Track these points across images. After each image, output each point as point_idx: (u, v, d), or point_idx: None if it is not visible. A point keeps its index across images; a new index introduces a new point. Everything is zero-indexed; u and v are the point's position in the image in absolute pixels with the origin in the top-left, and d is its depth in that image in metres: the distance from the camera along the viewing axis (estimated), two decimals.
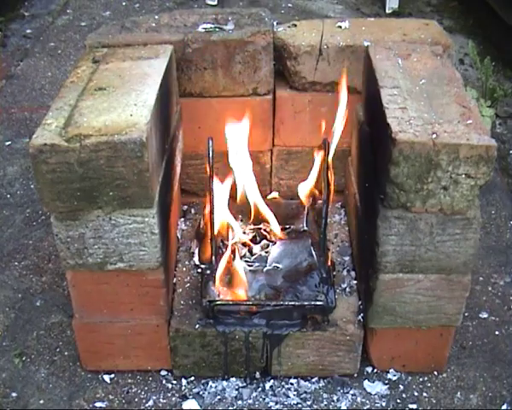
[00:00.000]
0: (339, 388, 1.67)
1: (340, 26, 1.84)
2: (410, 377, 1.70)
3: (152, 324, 1.61)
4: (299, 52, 1.76)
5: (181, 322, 1.62)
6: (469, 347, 1.79)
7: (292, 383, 1.67)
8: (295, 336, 1.60)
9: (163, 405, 1.63)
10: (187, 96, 1.81)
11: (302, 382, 1.68)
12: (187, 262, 1.79)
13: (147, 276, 1.52)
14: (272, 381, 1.68)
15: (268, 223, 1.77)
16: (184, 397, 1.64)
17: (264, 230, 1.77)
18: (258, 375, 1.67)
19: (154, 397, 1.65)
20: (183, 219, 1.95)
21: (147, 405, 1.63)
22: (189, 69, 1.77)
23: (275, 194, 1.91)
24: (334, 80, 1.80)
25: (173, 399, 1.64)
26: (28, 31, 3.67)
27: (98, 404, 1.63)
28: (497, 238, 2.18)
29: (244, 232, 1.77)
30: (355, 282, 1.73)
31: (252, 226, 1.79)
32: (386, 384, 1.68)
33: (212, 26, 1.78)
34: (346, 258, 1.81)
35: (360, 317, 1.63)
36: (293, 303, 1.58)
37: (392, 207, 1.42)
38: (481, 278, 2.01)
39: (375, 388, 1.67)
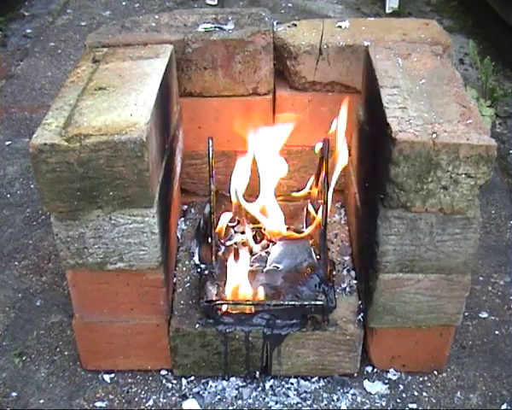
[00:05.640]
0: (339, 387, 1.67)
1: (340, 26, 1.84)
2: (409, 377, 1.70)
3: (152, 323, 1.61)
4: (299, 52, 1.76)
5: (181, 322, 1.62)
6: (469, 346, 1.79)
7: (292, 383, 1.67)
8: (295, 335, 1.60)
9: (163, 404, 1.63)
10: (187, 96, 1.81)
11: (302, 381, 1.68)
12: (187, 262, 1.79)
13: (147, 276, 1.53)
14: (272, 380, 1.68)
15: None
16: (184, 397, 1.64)
17: (265, 229, 1.77)
18: (258, 375, 1.67)
19: (154, 397, 1.65)
20: (183, 219, 1.95)
21: (147, 404, 1.63)
22: (189, 69, 1.77)
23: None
24: (334, 80, 1.80)
25: (173, 398, 1.64)
26: (28, 31, 3.68)
27: (98, 404, 1.63)
28: (497, 238, 2.18)
29: (244, 232, 1.77)
30: (355, 282, 1.73)
31: (252, 226, 1.79)
32: (386, 384, 1.68)
33: (212, 25, 1.78)
34: (346, 258, 1.81)
35: (360, 317, 1.63)
36: (293, 303, 1.58)
37: (392, 206, 1.42)
38: (481, 278, 2.01)
39: (375, 387, 1.67)
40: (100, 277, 1.52)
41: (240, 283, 1.62)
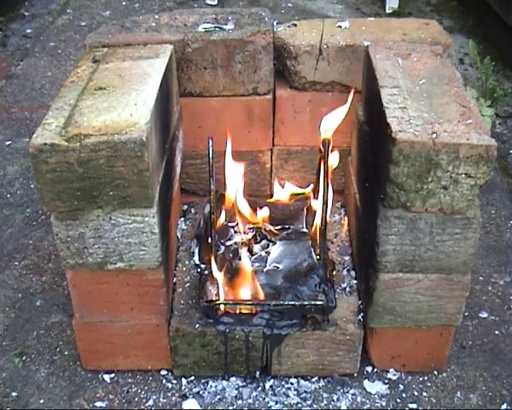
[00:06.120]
0: (339, 387, 1.67)
1: (340, 26, 1.84)
2: (409, 377, 1.70)
3: (152, 323, 1.61)
4: (299, 52, 1.76)
5: (181, 321, 1.62)
6: (469, 346, 1.79)
7: (292, 383, 1.67)
8: (295, 335, 1.60)
9: (163, 404, 1.63)
10: (187, 96, 1.81)
11: (302, 381, 1.68)
12: (187, 262, 1.79)
13: (147, 275, 1.53)
14: (272, 380, 1.68)
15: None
16: (184, 397, 1.64)
17: (264, 229, 1.77)
18: (258, 375, 1.67)
19: (154, 397, 1.65)
20: (183, 219, 1.95)
21: (147, 404, 1.63)
22: (189, 69, 1.77)
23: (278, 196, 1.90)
24: (334, 80, 1.81)
25: (173, 398, 1.64)
26: (28, 30, 3.68)
27: (98, 404, 1.63)
28: (497, 238, 2.18)
29: (244, 232, 1.77)
30: (355, 281, 1.73)
31: (251, 226, 1.79)
32: (386, 384, 1.68)
33: (212, 25, 1.78)
34: (346, 258, 1.81)
35: (360, 316, 1.63)
36: (293, 303, 1.58)
37: (392, 206, 1.42)
38: (481, 278, 2.01)
39: (375, 387, 1.67)
40: (100, 277, 1.52)
41: (239, 283, 1.62)
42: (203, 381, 1.68)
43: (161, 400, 1.64)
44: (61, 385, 1.68)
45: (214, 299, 1.60)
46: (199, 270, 1.70)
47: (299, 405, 1.63)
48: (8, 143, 2.66)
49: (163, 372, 1.70)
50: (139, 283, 1.54)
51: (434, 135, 1.34)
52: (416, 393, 1.66)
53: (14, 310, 1.90)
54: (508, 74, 3.16)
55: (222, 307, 1.59)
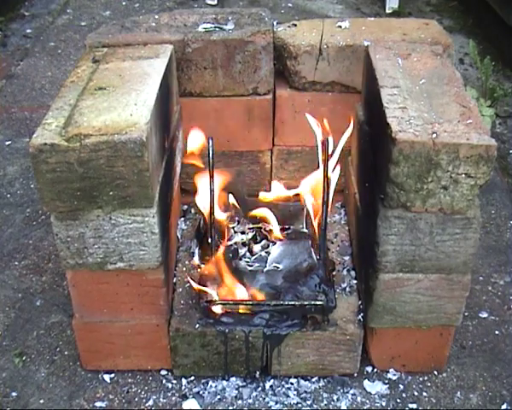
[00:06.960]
0: (339, 387, 1.67)
1: (340, 26, 1.84)
2: (409, 377, 1.70)
3: (152, 323, 1.61)
4: (299, 52, 1.76)
5: (181, 322, 1.62)
6: (469, 346, 1.79)
7: (292, 383, 1.67)
8: (295, 335, 1.60)
9: (163, 404, 1.63)
10: (187, 96, 1.81)
11: (302, 381, 1.68)
12: (187, 262, 1.79)
13: (147, 275, 1.53)
14: (272, 380, 1.68)
15: (267, 223, 1.77)
16: (184, 397, 1.64)
17: (264, 229, 1.77)
18: (258, 375, 1.67)
19: (154, 397, 1.65)
20: (183, 219, 1.95)
21: (147, 404, 1.63)
22: (189, 69, 1.77)
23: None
24: (334, 80, 1.81)
25: (173, 398, 1.64)
26: (28, 30, 3.68)
27: (98, 404, 1.63)
28: (497, 238, 2.18)
29: (244, 232, 1.77)
30: (355, 281, 1.73)
31: (251, 226, 1.79)
32: (386, 384, 1.68)
33: (212, 25, 1.78)
34: (346, 258, 1.81)
35: (360, 316, 1.63)
36: (293, 303, 1.58)
37: (392, 206, 1.42)
38: (481, 278, 2.01)
39: (375, 387, 1.67)
40: (100, 277, 1.52)
41: (239, 283, 1.62)
42: (203, 381, 1.68)
43: (161, 400, 1.64)
44: (61, 385, 1.68)
45: (214, 299, 1.59)
46: (199, 270, 1.70)
47: (299, 405, 1.63)
48: (8, 143, 2.66)
49: (163, 372, 1.70)
50: (139, 283, 1.54)
51: (434, 135, 1.34)
52: (415, 393, 1.66)
53: (14, 310, 1.90)
54: (508, 74, 3.17)
55: (217, 307, 1.59)
